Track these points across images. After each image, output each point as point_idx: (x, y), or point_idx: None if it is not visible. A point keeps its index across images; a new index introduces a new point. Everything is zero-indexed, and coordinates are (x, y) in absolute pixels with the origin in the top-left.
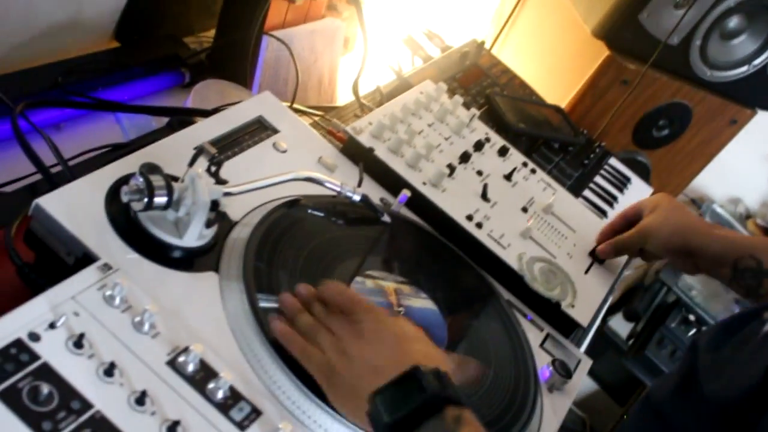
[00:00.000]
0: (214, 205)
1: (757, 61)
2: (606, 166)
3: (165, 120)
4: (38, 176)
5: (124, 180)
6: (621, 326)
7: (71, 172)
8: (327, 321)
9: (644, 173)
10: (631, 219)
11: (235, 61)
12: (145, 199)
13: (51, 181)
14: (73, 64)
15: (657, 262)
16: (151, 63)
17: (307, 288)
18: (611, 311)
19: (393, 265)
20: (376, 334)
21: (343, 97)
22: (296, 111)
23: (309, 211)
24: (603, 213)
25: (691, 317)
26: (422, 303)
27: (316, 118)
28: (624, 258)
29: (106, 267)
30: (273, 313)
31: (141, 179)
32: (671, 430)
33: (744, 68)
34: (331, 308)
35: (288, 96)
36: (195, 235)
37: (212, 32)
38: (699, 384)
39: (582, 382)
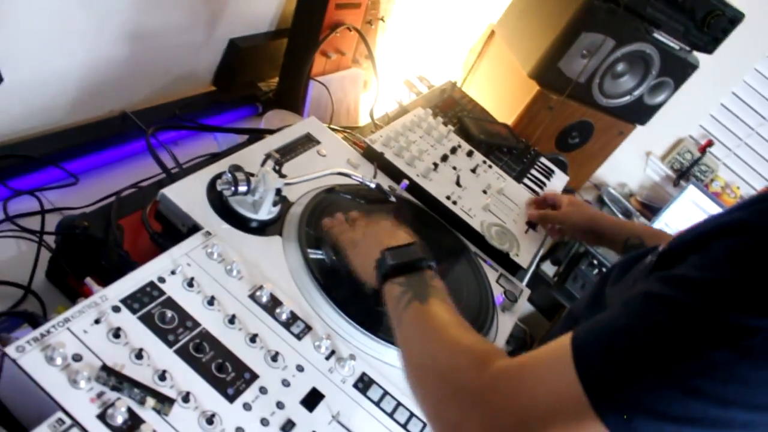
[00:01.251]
0: (278, 191)
1: (636, 93)
2: (538, 163)
3: (245, 138)
4: (163, 176)
5: (219, 176)
6: (549, 268)
7: (185, 172)
8: (351, 221)
9: (563, 168)
10: (550, 201)
11: (292, 97)
12: (232, 188)
13: (171, 178)
14: (186, 102)
15: None
16: (236, 100)
17: (340, 215)
18: (543, 259)
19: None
20: (378, 224)
21: (363, 120)
22: (332, 130)
23: (341, 194)
24: (536, 194)
25: (595, 262)
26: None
27: (346, 134)
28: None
29: (208, 234)
30: (317, 262)
31: (229, 175)
32: None
33: (628, 97)
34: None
35: (327, 120)
36: (266, 212)
37: (276, 78)
38: (604, 303)
39: (524, 306)
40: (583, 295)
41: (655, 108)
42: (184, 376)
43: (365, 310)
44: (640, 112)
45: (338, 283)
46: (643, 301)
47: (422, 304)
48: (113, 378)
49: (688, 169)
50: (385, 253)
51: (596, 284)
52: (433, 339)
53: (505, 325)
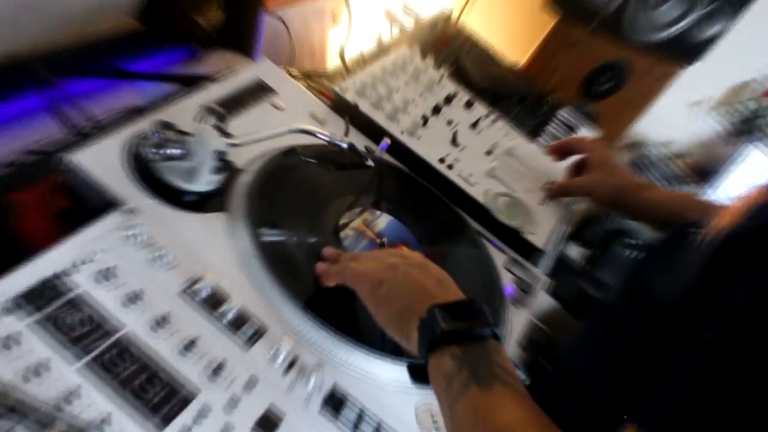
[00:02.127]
0: (221, 154)
1: (682, 24)
2: (557, 116)
3: (179, 88)
4: (71, 138)
5: (143, 136)
6: (575, 252)
7: (99, 131)
8: (369, 252)
9: (591, 122)
10: (575, 151)
11: (239, 35)
12: (161, 151)
13: (82, 140)
14: (100, 42)
15: None
16: (167, 39)
17: (332, 249)
18: (567, 239)
19: (379, 203)
20: (421, 265)
21: (332, 63)
22: (292, 76)
23: (303, 158)
24: None
25: (632, 241)
26: (385, 220)
27: (309, 81)
28: None
29: (129, 210)
30: (272, 245)
31: (156, 134)
32: (619, 326)
33: (671, 30)
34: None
35: (285, 64)
36: (204, 181)
37: (219, 11)
38: (646, 289)
39: (546, 302)
40: (616, 283)
41: (707, 44)
42: (98, 397)
43: (336, 306)
44: (687, 50)
45: (301, 273)
46: (708, 362)
47: (483, 390)
48: None
49: (750, 121)
50: (435, 312)
51: (634, 265)
52: None
53: (517, 323)
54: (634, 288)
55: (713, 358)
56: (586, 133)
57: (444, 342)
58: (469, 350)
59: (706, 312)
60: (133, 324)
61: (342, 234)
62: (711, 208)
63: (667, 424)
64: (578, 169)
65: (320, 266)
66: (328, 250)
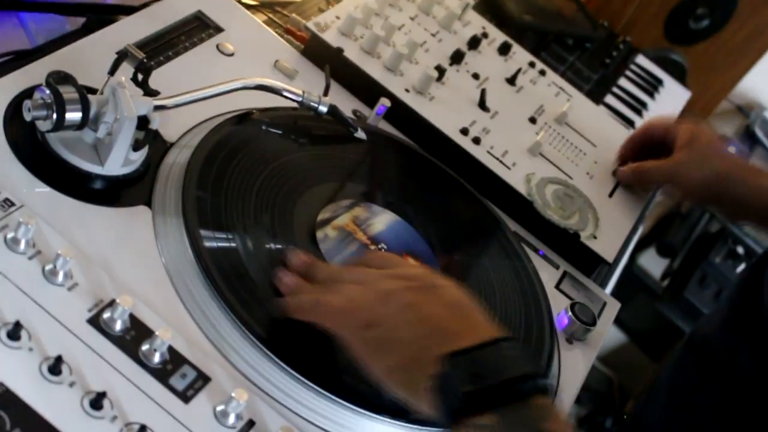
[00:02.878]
0: (143, 121)
1: None
2: (632, 66)
3: (79, 25)
4: None
5: (28, 94)
6: (654, 264)
7: None
8: (349, 275)
9: (680, 74)
10: (657, 140)
11: None
12: (54, 116)
13: None
14: None
15: None
16: None
17: (303, 256)
18: (642, 246)
19: (373, 192)
20: (428, 287)
21: None
22: (246, 7)
23: (264, 127)
24: (630, 123)
25: (740, 249)
26: (385, 220)
27: (272, 15)
28: None
29: (7, 203)
30: (220, 253)
31: (48, 91)
32: (720, 370)
33: None
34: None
35: None
36: (119, 161)
37: None
38: (760, 316)
39: (609, 335)
40: (716, 307)
41: None
42: None
43: (312, 343)
44: None
45: (260, 294)
46: None
47: None
48: None
49: None
50: (451, 366)
51: (741, 283)
52: None
53: (575, 367)
54: (742, 312)
55: None
56: (674, 91)
57: (470, 410)
58: (507, 419)
59: None
60: (14, 370)
61: (319, 234)
62: None
63: None
64: (660, 151)
65: (283, 286)
66: (297, 258)
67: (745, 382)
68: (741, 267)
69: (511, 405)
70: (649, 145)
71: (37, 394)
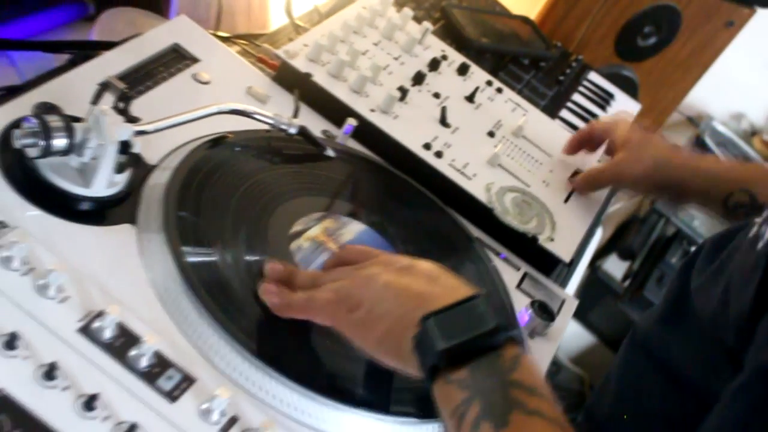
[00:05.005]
0: (125, 146)
1: None
2: (585, 82)
3: (65, 59)
4: None
5: (17, 124)
6: (616, 267)
7: None
8: (330, 275)
9: (632, 89)
10: (597, 140)
11: None
12: (42, 143)
13: None
14: None
15: None
16: None
17: (279, 266)
18: (604, 252)
19: (344, 205)
20: (406, 265)
21: (276, 24)
22: (221, 39)
23: (238, 149)
24: None
25: (693, 249)
26: (354, 229)
27: (244, 46)
28: None
29: (1, 225)
30: (201, 267)
31: (35, 120)
32: (657, 362)
33: None
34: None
35: (211, 24)
36: (104, 183)
37: None
38: (689, 307)
39: (579, 336)
40: (656, 305)
41: None
42: None
43: (288, 344)
44: None
45: (239, 302)
46: (766, 387)
47: (499, 429)
48: None
49: None
50: (428, 324)
51: (675, 279)
52: None
53: (538, 360)
54: (673, 306)
55: None
56: (625, 104)
57: (448, 363)
58: (479, 371)
59: (764, 328)
60: (11, 376)
61: (293, 245)
62: None
63: None
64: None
65: (270, 296)
66: (275, 268)
67: (679, 369)
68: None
69: (483, 358)
70: (592, 141)
71: (34, 398)
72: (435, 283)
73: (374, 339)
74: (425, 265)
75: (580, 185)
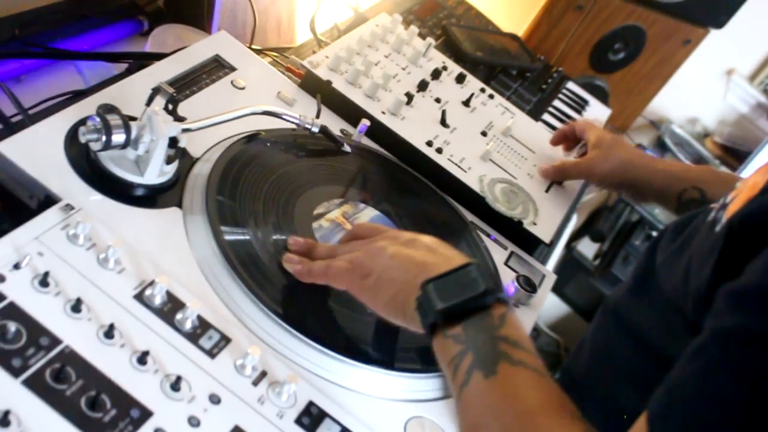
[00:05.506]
0: (173, 141)
1: None
2: (564, 90)
3: (123, 68)
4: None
5: (83, 122)
6: (588, 248)
7: (31, 119)
8: (345, 248)
9: (603, 96)
10: (576, 136)
11: (191, 5)
12: (103, 138)
13: (10, 129)
14: (30, 16)
15: None
16: (109, 12)
17: (301, 240)
18: (578, 235)
19: (358, 193)
20: (410, 239)
21: (302, 39)
22: (255, 51)
23: (269, 144)
24: None
25: (654, 233)
26: (368, 214)
27: (274, 57)
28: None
29: (69, 207)
30: (237, 245)
31: (98, 119)
32: (626, 327)
33: None
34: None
35: (247, 40)
36: (155, 172)
37: None
38: (653, 281)
39: (556, 307)
40: (627, 278)
41: (738, 2)
42: (38, 418)
43: (309, 309)
44: (714, 10)
45: (269, 275)
46: (723, 349)
47: (488, 377)
48: None
49: None
50: (428, 288)
51: (642, 257)
52: None
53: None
54: (641, 279)
55: (726, 344)
56: (597, 109)
57: (445, 321)
58: (471, 328)
59: (721, 296)
60: (76, 335)
61: (314, 225)
62: (737, 182)
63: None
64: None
65: (294, 265)
66: (297, 243)
67: (644, 334)
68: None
69: (475, 316)
70: (572, 137)
71: (96, 354)
72: (434, 254)
73: (383, 301)
74: (426, 239)
75: (551, 172)
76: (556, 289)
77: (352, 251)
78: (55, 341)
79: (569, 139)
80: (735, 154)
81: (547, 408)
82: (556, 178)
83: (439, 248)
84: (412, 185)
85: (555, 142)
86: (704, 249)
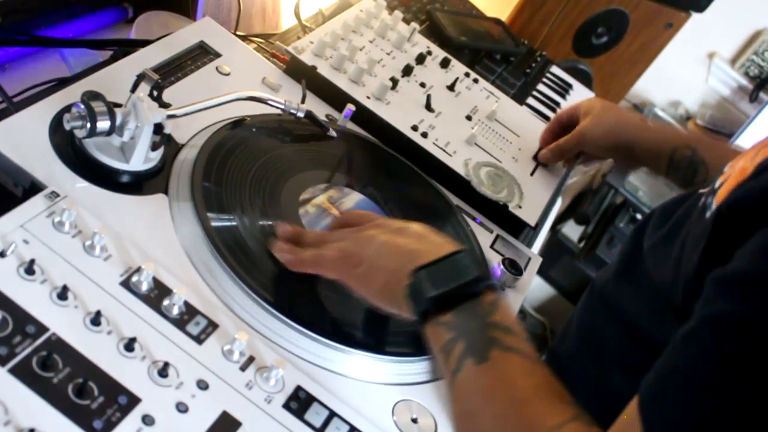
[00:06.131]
0: (159, 128)
1: None
2: (548, 74)
3: (108, 55)
4: None
5: (68, 109)
6: (573, 231)
7: (16, 107)
8: (334, 235)
9: (587, 80)
10: (566, 123)
11: None
12: (88, 125)
13: None
14: (15, 3)
15: (603, 166)
16: (94, 1)
17: (289, 227)
18: (563, 218)
19: (343, 178)
20: (400, 227)
21: (287, 25)
22: (240, 37)
23: (254, 129)
24: (547, 119)
25: (638, 216)
26: (354, 198)
27: (259, 43)
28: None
29: (54, 194)
30: (223, 231)
31: (82, 106)
32: (612, 310)
33: None
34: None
35: (231, 27)
36: (141, 159)
37: None
38: (640, 265)
39: (541, 289)
40: (613, 261)
41: None
42: (25, 406)
43: (297, 295)
44: None
45: (255, 260)
46: (713, 335)
47: (480, 364)
48: None
49: None
50: (419, 275)
51: (628, 239)
52: (501, 429)
53: None
54: (627, 262)
55: (716, 330)
56: (581, 93)
57: (436, 308)
58: (462, 315)
59: (710, 282)
60: (63, 322)
61: (301, 211)
62: (726, 150)
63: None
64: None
65: (285, 254)
66: (285, 230)
67: (629, 317)
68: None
69: (466, 303)
70: (561, 129)
71: (82, 341)
72: (424, 241)
73: (374, 290)
74: (415, 227)
75: (551, 157)
76: (542, 272)
77: (342, 239)
78: (42, 329)
79: (557, 133)
80: (717, 136)
81: (540, 393)
82: (555, 158)
83: (429, 235)
84: (398, 169)
85: (545, 142)
86: (695, 236)
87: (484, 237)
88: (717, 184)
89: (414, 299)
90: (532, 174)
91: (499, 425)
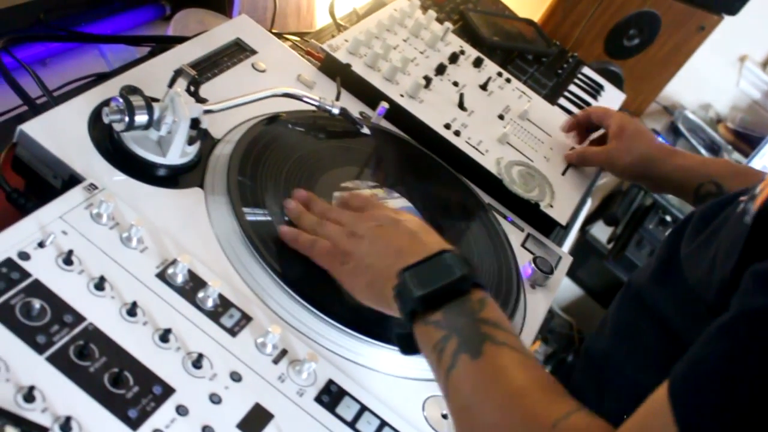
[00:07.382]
0: (195, 122)
1: None
2: (579, 75)
3: (146, 52)
4: (24, 108)
5: (106, 103)
6: (602, 232)
7: (56, 101)
8: (334, 214)
9: (617, 82)
10: (592, 124)
11: None
12: (126, 119)
13: (35, 110)
14: (55, 1)
15: None
16: None
17: (304, 192)
18: (592, 219)
19: (376, 174)
20: (392, 222)
21: (321, 23)
22: (275, 35)
23: (289, 126)
24: None
25: (668, 218)
26: (398, 203)
27: (295, 41)
28: None
29: (92, 187)
30: (258, 225)
31: (121, 100)
32: (649, 311)
33: None
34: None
35: (267, 24)
36: (178, 153)
37: None
38: (677, 271)
39: (569, 289)
40: (648, 261)
41: None
42: (62, 394)
43: (329, 290)
44: None
45: (290, 255)
46: (749, 328)
47: (475, 359)
48: None
49: None
50: (405, 276)
51: (665, 243)
52: (504, 421)
53: (536, 306)
54: (664, 266)
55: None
56: (612, 94)
57: (425, 308)
58: (452, 313)
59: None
60: (100, 313)
61: (336, 194)
62: (752, 175)
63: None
64: (601, 142)
65: (288, 213)
66: (299, 193)
67: (667, 320)
68: (668, 231)
69: (454, 301)
70: (588, 125)
71: (119, 331)
72: (413, 239)
73: (361, 287)
74: (410, 222)
75: (574, 158)
76: (570, 272)
77: (339, 221)
78: (79, 318)
79: (581, 126)
80: (747, 140)
81: (537, 385)
82: (578, 163)
83: (420, 233)
84: (430, 167)
85: (567, 129)
86: (733, 239)
87: (515, 235)
88: (757, 190)
89: (401, 299)
90: (563, 174)
91: (500, 418)
